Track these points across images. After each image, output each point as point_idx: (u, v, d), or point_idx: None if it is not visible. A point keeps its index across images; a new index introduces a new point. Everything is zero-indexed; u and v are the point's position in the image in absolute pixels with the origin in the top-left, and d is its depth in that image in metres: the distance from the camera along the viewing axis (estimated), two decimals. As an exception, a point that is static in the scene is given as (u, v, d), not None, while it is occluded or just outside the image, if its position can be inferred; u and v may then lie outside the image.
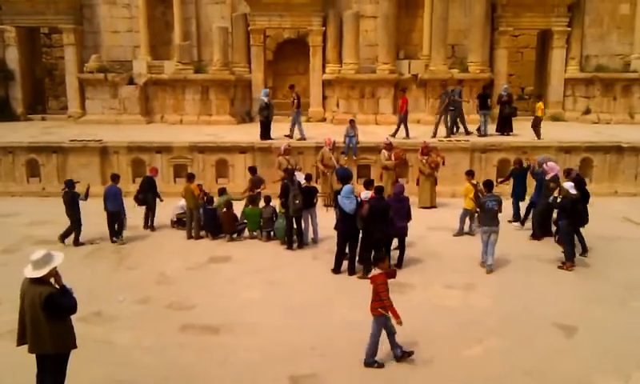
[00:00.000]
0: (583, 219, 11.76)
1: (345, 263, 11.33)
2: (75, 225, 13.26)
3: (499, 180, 15.93)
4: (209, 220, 13.66)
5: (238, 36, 23.51)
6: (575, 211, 11.52)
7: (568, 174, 13.22)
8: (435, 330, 8.83)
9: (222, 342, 8.52)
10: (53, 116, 24.88)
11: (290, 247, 12.82)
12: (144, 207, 14.40)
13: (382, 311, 7.76)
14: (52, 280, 6.29)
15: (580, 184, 12.53)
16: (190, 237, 13.64)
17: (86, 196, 13.57)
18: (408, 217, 11.55)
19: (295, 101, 18.85)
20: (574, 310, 9.53)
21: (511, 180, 14.90)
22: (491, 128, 19.75)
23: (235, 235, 13.59)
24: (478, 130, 19.38)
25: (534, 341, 8.49)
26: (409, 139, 18.50)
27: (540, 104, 19.65)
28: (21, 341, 6.40)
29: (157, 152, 17.95)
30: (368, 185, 11.77)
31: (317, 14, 23.00)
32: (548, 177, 13.38)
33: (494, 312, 9.50)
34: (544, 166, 13.80)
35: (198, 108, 22.76)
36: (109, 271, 11.65)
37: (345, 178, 13.06)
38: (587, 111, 23.32)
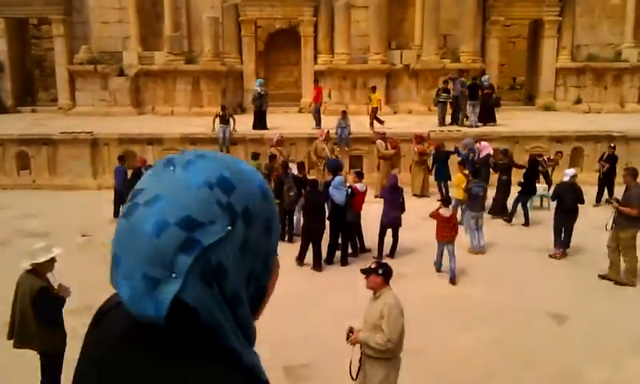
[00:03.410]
0: (566, 206, 11.54)
1: (337, 254, 11.34)
2: None
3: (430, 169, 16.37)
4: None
5: (228, 26, 23.39)
6: (561, 197, 11.55)
7: (505, 154, 14.37)
8: (427, 319, 8.86)
9: (216, 334, 8.51)
10: (43, 108, 24.74)
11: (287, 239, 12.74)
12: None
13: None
14: (49, 276, 6.21)
15: (531, 164, 13.97)
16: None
17: None
18: (402, 208, 11.58)
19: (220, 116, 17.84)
20: (564, 299, 9.59)
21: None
22: None
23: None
24: (466, 121, 19.37)
25: (525, 329, 8.54)
26: (317, 129, 18.35)
27: (375, 95, 19.46)
28: (11, 333, 6.29)
29: (148, 144, 17.88)
30: (360, 176, 11.79)
31: (308, 5, 22.92)
32: (482, 155, 14.59)
33: (485, 301, 9.54)
34: (477, 144, 15.15)
35: (189, 99, 22.68)
36: (101, 264, 11.56)
37: (335, 169, 13.04)
38: (578, 101, 23.42)
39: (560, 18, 23.29)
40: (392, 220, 11.44)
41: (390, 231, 11.61)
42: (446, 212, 10.68)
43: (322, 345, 8.10)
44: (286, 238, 12.80)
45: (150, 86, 23.05)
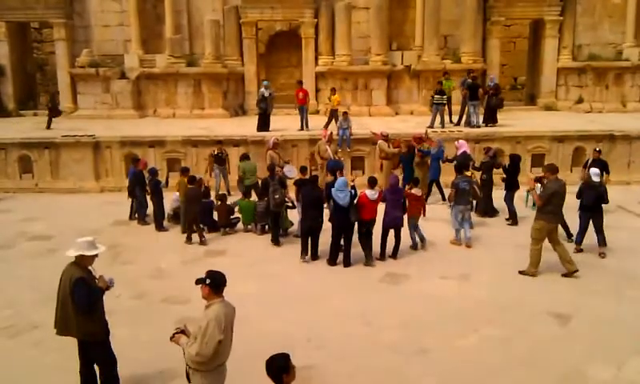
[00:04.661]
0: (582, 201, 11.69)
1: (340, 255, 11.34)
2: (157, 207, 13.89)
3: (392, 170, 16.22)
4: (205, 214, 13.65)
5: (229, 29, 23.43)
6: (583, 194, 11.64)
7: (487, 152, 14.77)
8: (430, 320, 8.87)
9: (219, 336, 8.51)
10: (45, 111, 24.58)
11: (276, 243, 12.70)
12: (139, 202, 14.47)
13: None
14: (91, 269, 6.41)
15: (513, 160, 14.23)
16: (184, 231, 13.61)
17: (167, 183, 14.40)
18: (403, 209, 11.57)
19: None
20: (568, 299, 9.58)
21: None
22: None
23: (228, 229, 13.56)
24: (469, 121, 19.31)
25: (529, 330, 8.53)
26: (303, 131, 18.62)
27: (336, 96, 19.47)
28: (56, 321, 6.49)
29: (150, 146, 17.87)
30: (372, 184, 11.55)
31: (308, 6, 22.96)
32: (459, 153, 14.91)
33: (488, 302, 9.54)
34: (455, 144, 15.58)
35: (191, 101, 22.71)
36: (104, 266, 11.55)
37: (334, 169, 13.06)
38: (580, 100, 23.38)
39: (561, 18, 23.27)
40: (394, 220, 11.42)
41: (392, 232, 11.59)
42: (417, 191, 12.07)
43: (326, 347, 8.10)
44: (281, 241, 12.84)
45: (151, 88, 23.08)
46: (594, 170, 11.94)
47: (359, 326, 8.76)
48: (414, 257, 11.72)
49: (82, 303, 6.14)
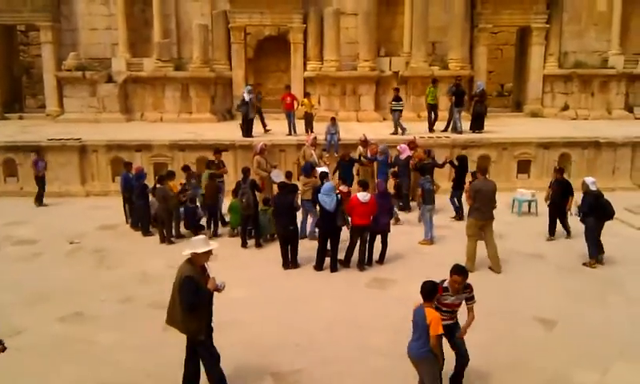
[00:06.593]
0: (608, 212, 11.56)
1: (327, 260, 11.32)
2: (143, 212, 13.89)
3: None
4: (190, 218, 13.60)
5: (218, 33, 23.39)
6: (599, 206, 11.50)
7: (428, 153, 15.38)
8: (417, 326, 8.86)
9: (205, 341, 8.47)
10: (30, 115, 24.59)
11: (243, 245, 12.84)
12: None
13: None
14: (207, 265, 6.64)
15: (461, 161, 15.01)
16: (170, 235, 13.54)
17: (154, 189, 14.08)
18: (390, 213, 11.57)
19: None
20: (554, 305, 9.63)
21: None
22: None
23: (213, 230, 13.56)
24: (455, 127, 19.37)
25: (514, 335, 8.57)
26: (291, 136, 18.81)
27: (312, 100, 19.70)
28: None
29: (136, 150, 17.77)
30: (364, 187, 11.56)
31: (297, 12, 23.01)
32: (402, 157, 15.55)
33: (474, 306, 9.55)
34: (397, 148, 16.00)
35: (179, 106, 22.62)
36: (90, 270, 11.52)
37: (306, 170, 13.17)
38: (565, 107, 23.61)
39: (547, 25, 23.52)
40: (380, 226, 11.43)
41: (378, 237, 11.59)
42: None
43: (314, 351, 8.09)
44: (249, 244, 12.91)
45: (138, 92, 22.97)
46: (591, 179, 12.00)
47: (347, 330, 8.76)
48: (401, 262, 11.72)
49: (187, 302, 6.33)
